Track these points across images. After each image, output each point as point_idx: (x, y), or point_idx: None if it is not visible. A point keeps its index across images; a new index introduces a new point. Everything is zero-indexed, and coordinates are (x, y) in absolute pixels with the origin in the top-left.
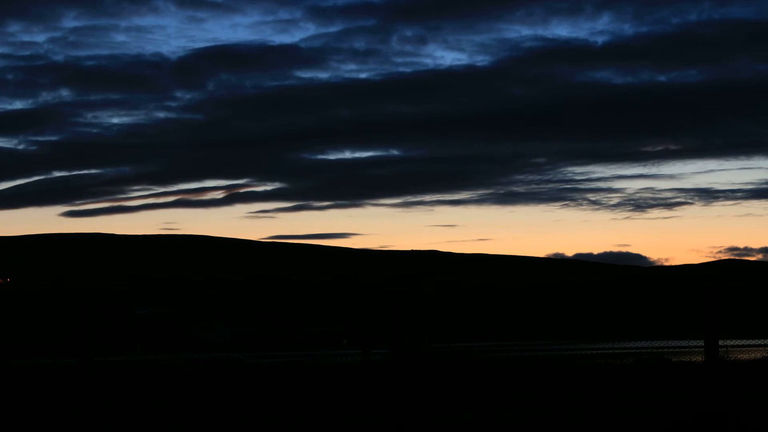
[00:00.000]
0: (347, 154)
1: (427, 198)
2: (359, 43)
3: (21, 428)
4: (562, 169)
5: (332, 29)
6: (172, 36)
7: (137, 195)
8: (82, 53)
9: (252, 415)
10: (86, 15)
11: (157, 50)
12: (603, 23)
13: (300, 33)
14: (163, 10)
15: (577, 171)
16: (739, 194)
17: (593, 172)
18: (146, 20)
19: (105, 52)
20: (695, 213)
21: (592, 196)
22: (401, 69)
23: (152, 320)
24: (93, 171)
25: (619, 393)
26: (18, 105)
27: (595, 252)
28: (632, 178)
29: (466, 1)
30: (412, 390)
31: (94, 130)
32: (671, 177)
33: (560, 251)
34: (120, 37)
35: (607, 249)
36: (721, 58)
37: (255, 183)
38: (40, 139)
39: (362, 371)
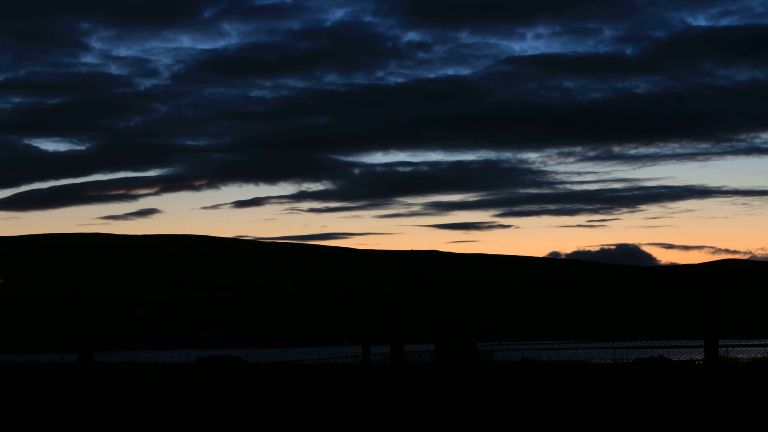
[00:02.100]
0: (348, 156)
1: (427, 199)
2: (380, 47)
3: (20, 427)
4: (560, 169)
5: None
6: (185, 42)
7: (141, 197)
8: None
9: (248, 415)
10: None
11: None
12: (596, 30)
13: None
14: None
15: (576, 171)
16: (739, 194)
17: (592, 172)
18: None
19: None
20: (695, 213)
21: (589, 196)
22: (403, 72)
23: (153, 320)
24: (97, 174)
25: (618, 393)
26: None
27: (594, 251)
28: (631, 178)
29: (460, 10)
30: (414, 394)
31: (98, 133)
32: (670, 177)
33: (559, 251)
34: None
35: (606, 249)
36: (716, 60)
37: (256, 185)
38: (48, 140)
39: (362, 372)
